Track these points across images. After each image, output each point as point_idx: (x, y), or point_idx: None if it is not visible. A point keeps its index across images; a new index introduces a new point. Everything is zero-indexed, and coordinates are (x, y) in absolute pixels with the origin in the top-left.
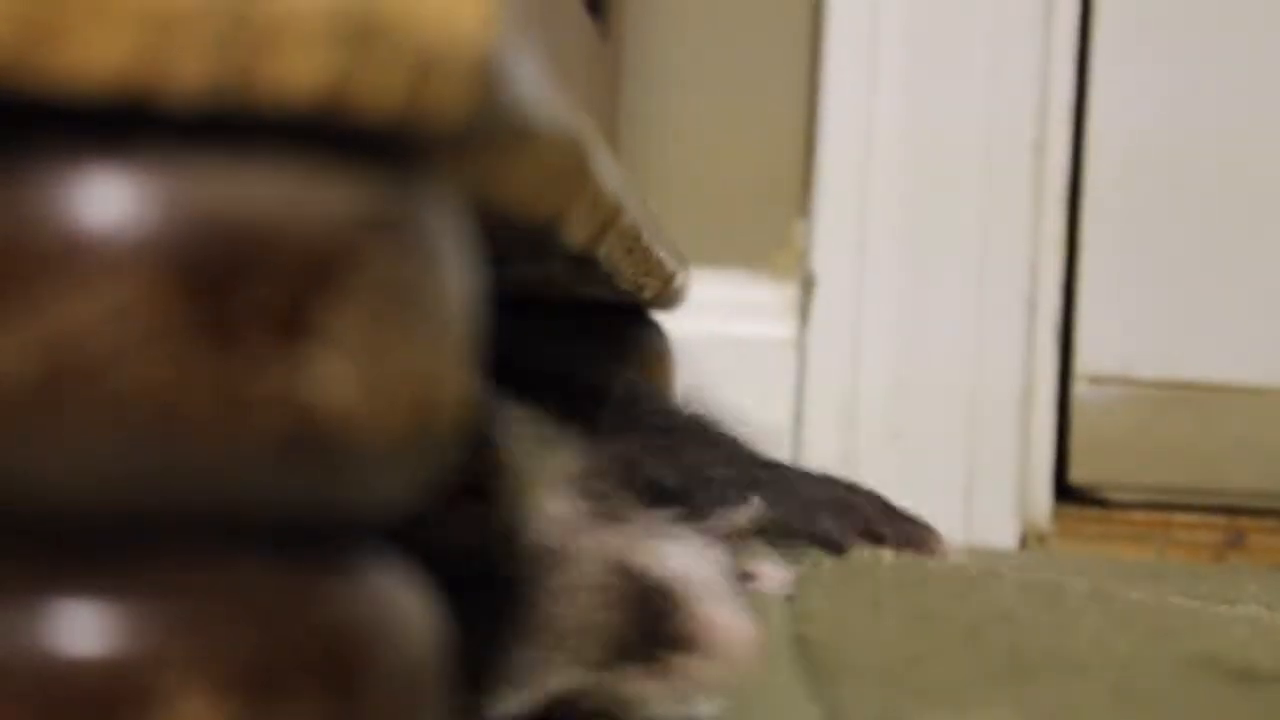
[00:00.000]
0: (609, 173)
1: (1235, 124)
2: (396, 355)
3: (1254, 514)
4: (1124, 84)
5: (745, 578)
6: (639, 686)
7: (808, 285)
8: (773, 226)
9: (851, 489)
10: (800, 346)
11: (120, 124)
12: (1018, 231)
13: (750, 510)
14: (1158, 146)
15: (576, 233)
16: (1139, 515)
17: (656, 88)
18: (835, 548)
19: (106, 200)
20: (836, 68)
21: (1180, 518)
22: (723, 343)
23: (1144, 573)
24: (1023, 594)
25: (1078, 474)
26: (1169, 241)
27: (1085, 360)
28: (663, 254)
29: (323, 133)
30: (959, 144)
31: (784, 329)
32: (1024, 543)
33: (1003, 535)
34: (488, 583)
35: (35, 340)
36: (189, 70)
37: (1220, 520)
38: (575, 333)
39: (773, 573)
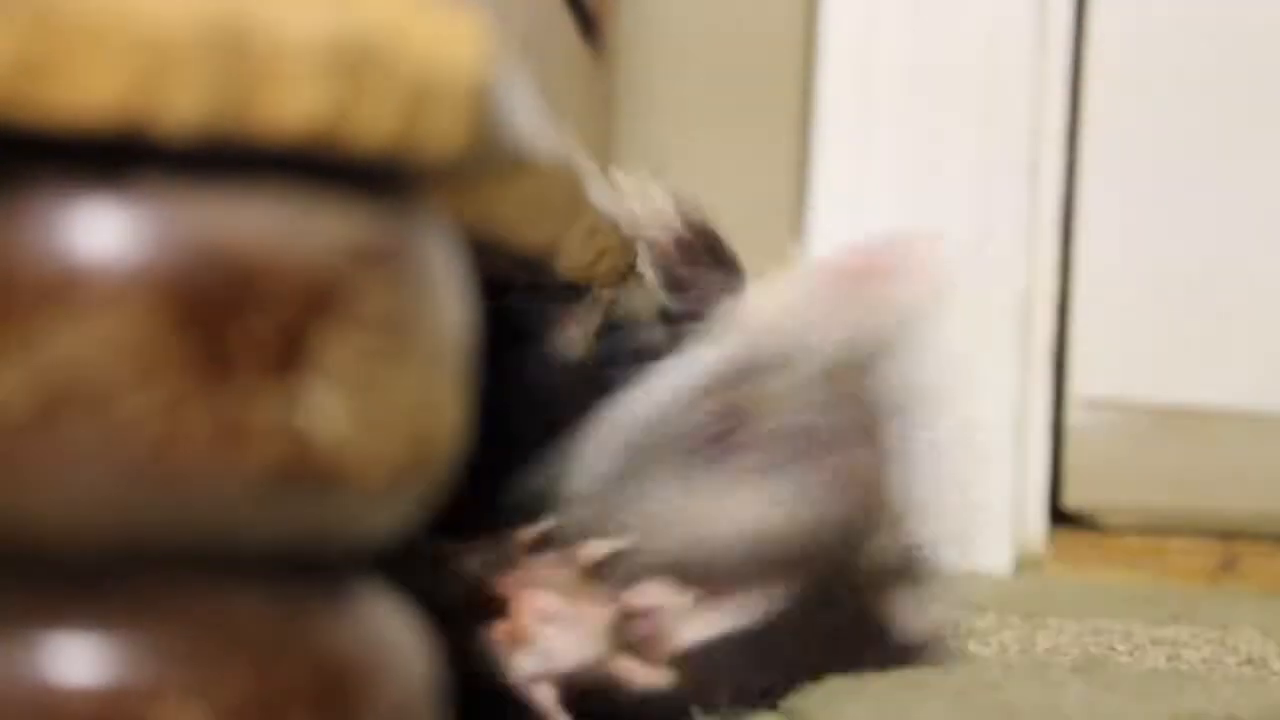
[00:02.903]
0: (604, 198)
1: (1229, 148)
2: (391, 387)
3: (1248, 538)
4: (1119, 96)
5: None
6: None
7: None
8: (768, 250)
9: None
10: None
11: (116, 156)
12: (1012, 257)
13: None
14: (1152, 169)
15: (573, 260)
16: (1133, 540)
17: (650, 110)
18: None
19: (102, 232)
20: (831, 91)
21: (1174, 542)
22: None
23: (1138, 597)
24: (1007, 668)
25: (1072, 499)
26: (1164, 266)
27: (1080, 385)
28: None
29: (317, 164)
30: (951, 166)
31: None
32: (1019, 568)
33: (997, 560)
34: None
35: (31, 372)
36: (184, 103)
37: (1214, 545)
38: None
39: None
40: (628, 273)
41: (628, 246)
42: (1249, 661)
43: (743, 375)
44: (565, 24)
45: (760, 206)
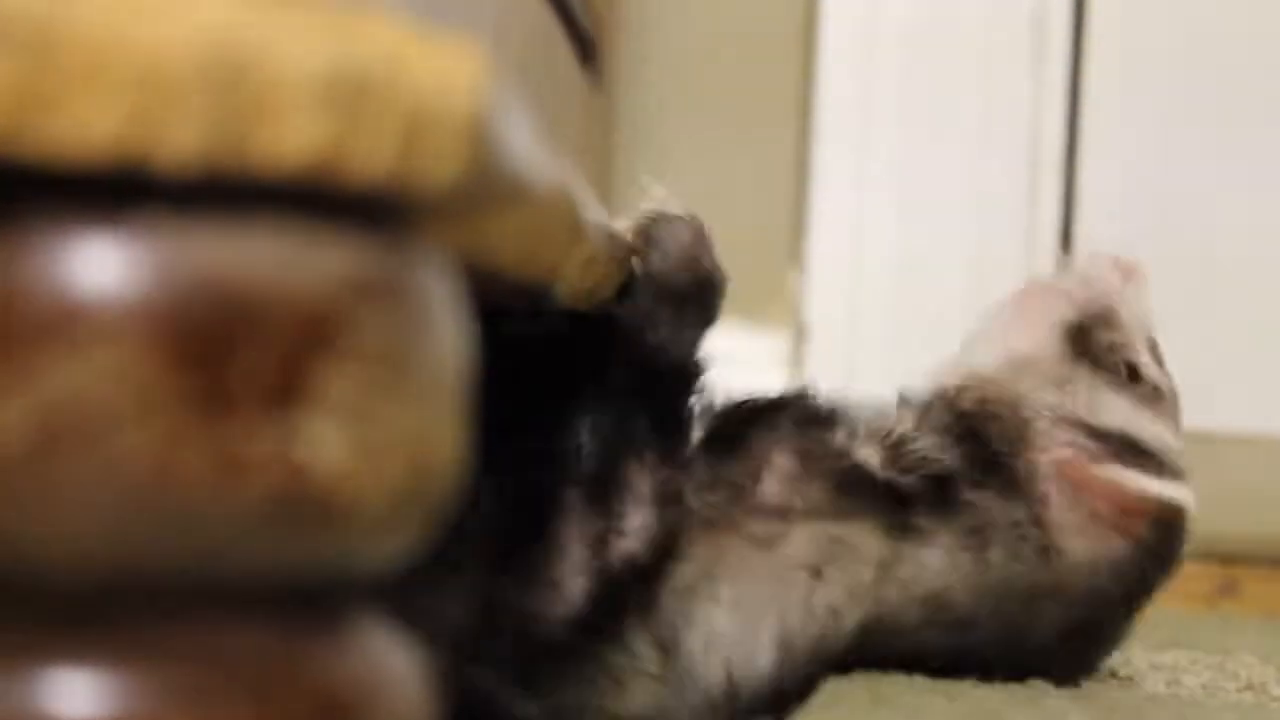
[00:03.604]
0: (601, 226)
1: (1227, 172)
2: (389, 418)
3: (1248, 562)
4: (1115, 133)
5: None
6: None
7: (800, 335)
8: (766, 277)
9: None
10: None
11: (114, 190)
12: (1010, 280)
13: None
14: (1149, 194)
15: (571, 289)
16: None
17: (649, 137)
18: None
19: (101, 266)
20: (829, 117)
21: None
22: (716, 392)
23: (1138, 621)
24: (1008, 695)
25: None
26: (1162, 288)
27: None
28: None
29: (315, 197)
30: (951, 195)
31: (777, 378)
32: None
33: None
34: None
35: (31, 404)
36: (182, 136)
37: (1214, 569)
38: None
39: None
40: (623, 291)
41: (624, 269)
42: (1249, 687)
43: None
44: (564, 51)
45: (758, 233)
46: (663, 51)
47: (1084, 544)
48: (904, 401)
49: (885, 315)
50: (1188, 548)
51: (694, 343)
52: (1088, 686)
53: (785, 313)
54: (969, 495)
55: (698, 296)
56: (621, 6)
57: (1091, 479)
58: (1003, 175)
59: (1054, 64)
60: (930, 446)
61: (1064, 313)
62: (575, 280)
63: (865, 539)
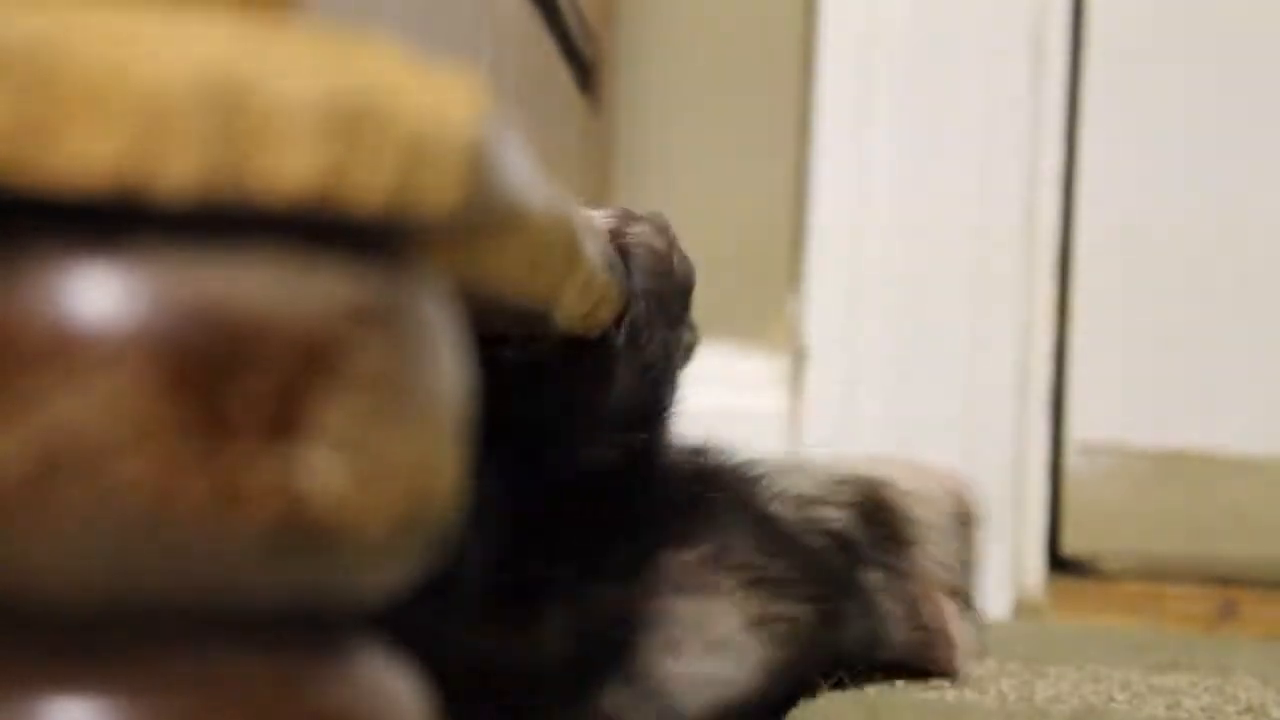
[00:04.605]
0: (599, 252)
1: (1226, 193)
2: (388, 446)
3: (1248, 584)
4: (1114, 154)
5: None
6: None
7: (799, 358)
8: (764, 299)
9: None
10: (792, 419)
11: (112, 219)
12: (1009, 301)
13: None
14: (1148, 214)
15: (569, 314)
16: (1132, 586)
17: (648, 161)
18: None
19: (98, 295)
20: (827, 140)
21: (1174, 588)
22: (714, 415)
23: (1137, 644)
24: (1007, 716)
25: (1070, 545)
26: (1161, 310)
27: (1077, 430)
28: None
29: (313, 225)
30: (950, 215)
31: (776, 402)
32: (1017, 614)
33: (996, 606)
34: None
35: (27, 434)
36: (180, 165)
37: (1214, 591)
38: None
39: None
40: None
41: (623, 295)
42: (1249, 710)
43: None
44: (563, 76)
45: (756, 255)
46: (662, 76)
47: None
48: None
49: (884, 338)
50: (1188, 569)
51: (666, 345)
52: (1087, 707)
53: (783, 335)
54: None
55: (671, 298)
56: (620, 31)
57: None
58: (1001, 197)
59: (1052, 82)
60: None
61: None
62: (573, 304)
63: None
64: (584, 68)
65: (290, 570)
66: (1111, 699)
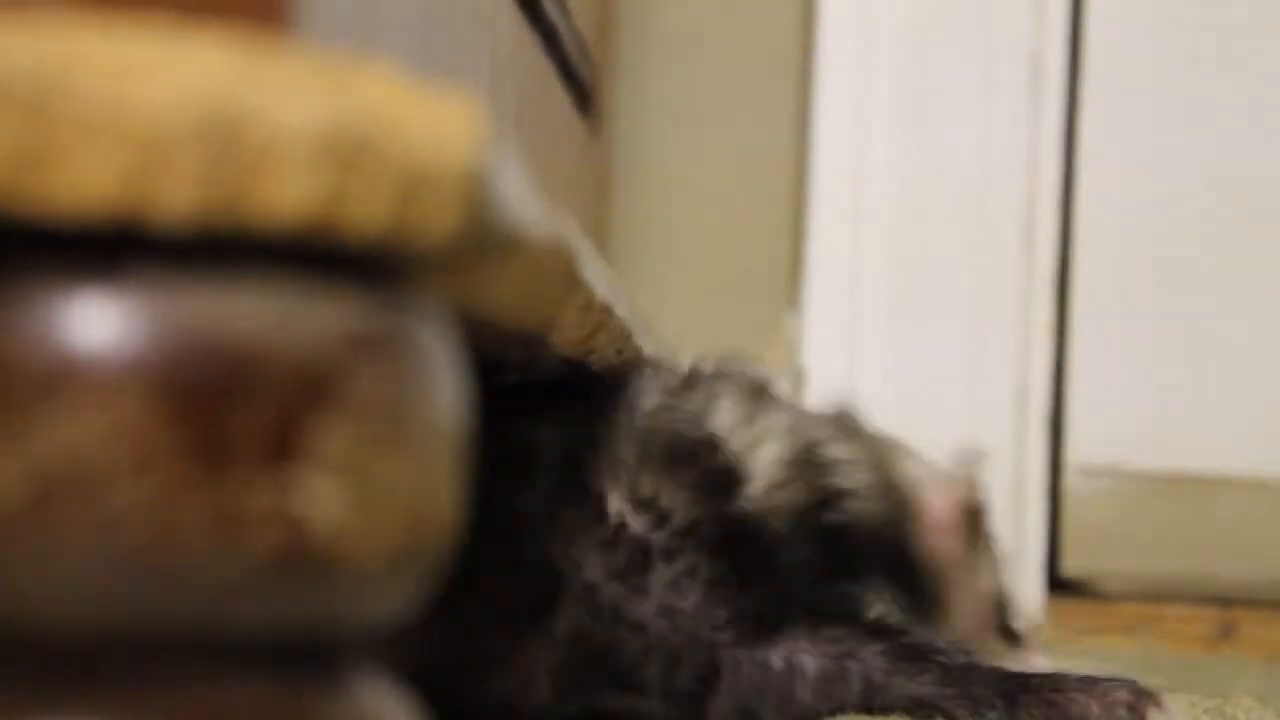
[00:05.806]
0: (597, 275)
1: (1224, 213)
2: (386, 472)
3: (1246, 605)
4: (1113, 168)
5: None
6: None
7: (798, 379)
8: (762, 320)
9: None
10: None
11: (110, 248)
12: (1008, 323)
13: None
14: (1148, 235)
15: (567, 337)
16: (1131, 606)
17: (646, 182)
18: None
19: (97, 323)
20: (825, 163)
21: (1172, 609)
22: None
23: (1136, 665)
24: None
25: (1069, 565)
26: (1160, 332)
27: (1076, 452)
28: (652, 352)
29: (311, 253)
30: (947, 235)
31: None
32: None
33: None
34: None
35: (27, 461)
36: (178, 194)
37: (1212, 612)
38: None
39: None
40: (623, 347)
41: (619, 321)
42: None
43: None
44: (561, 99)
45: (755, 276)
46: (660, 97)
47: None
48: None
49: (883, 358)
50: (1187, 590)
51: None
52: None
53: (782, 355)
54: None
55: None
56: (618, 54)
57: None
58: (998, 218)
59: (1050, 100)
60: None
61: None
62: (571, 329)
63: None
64: (582, 90)
65: (289, 596)
66: None
